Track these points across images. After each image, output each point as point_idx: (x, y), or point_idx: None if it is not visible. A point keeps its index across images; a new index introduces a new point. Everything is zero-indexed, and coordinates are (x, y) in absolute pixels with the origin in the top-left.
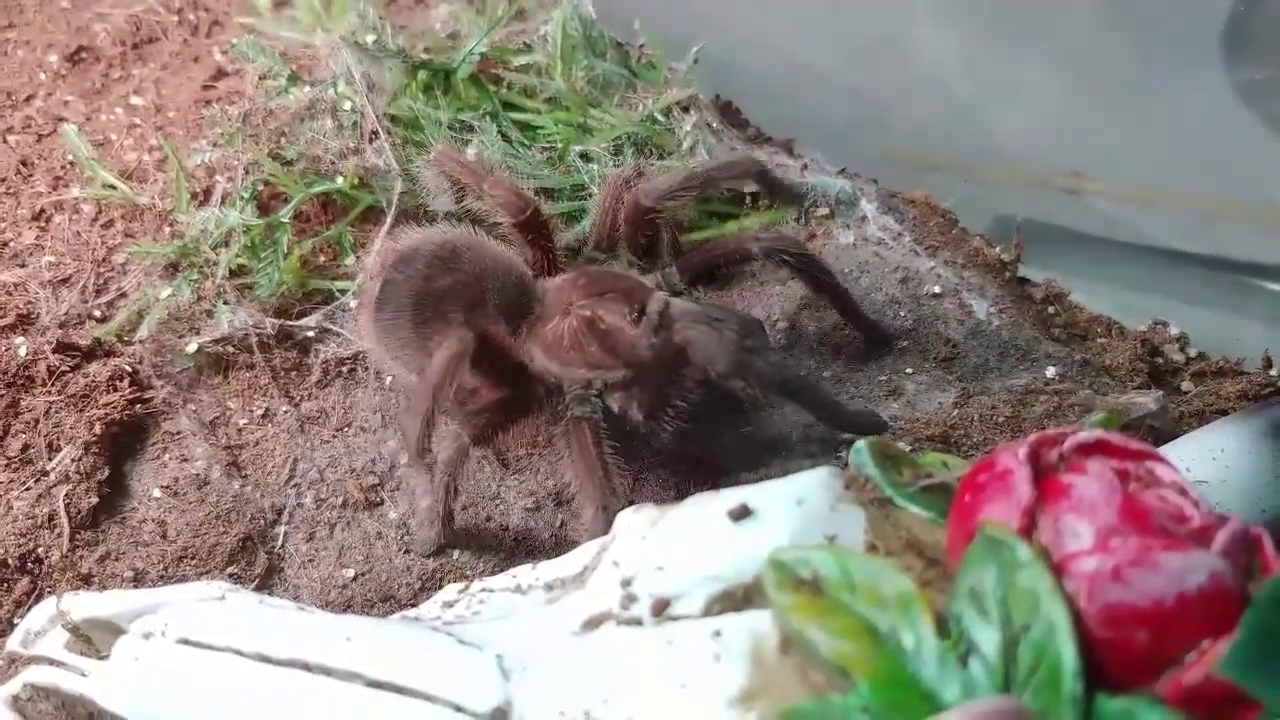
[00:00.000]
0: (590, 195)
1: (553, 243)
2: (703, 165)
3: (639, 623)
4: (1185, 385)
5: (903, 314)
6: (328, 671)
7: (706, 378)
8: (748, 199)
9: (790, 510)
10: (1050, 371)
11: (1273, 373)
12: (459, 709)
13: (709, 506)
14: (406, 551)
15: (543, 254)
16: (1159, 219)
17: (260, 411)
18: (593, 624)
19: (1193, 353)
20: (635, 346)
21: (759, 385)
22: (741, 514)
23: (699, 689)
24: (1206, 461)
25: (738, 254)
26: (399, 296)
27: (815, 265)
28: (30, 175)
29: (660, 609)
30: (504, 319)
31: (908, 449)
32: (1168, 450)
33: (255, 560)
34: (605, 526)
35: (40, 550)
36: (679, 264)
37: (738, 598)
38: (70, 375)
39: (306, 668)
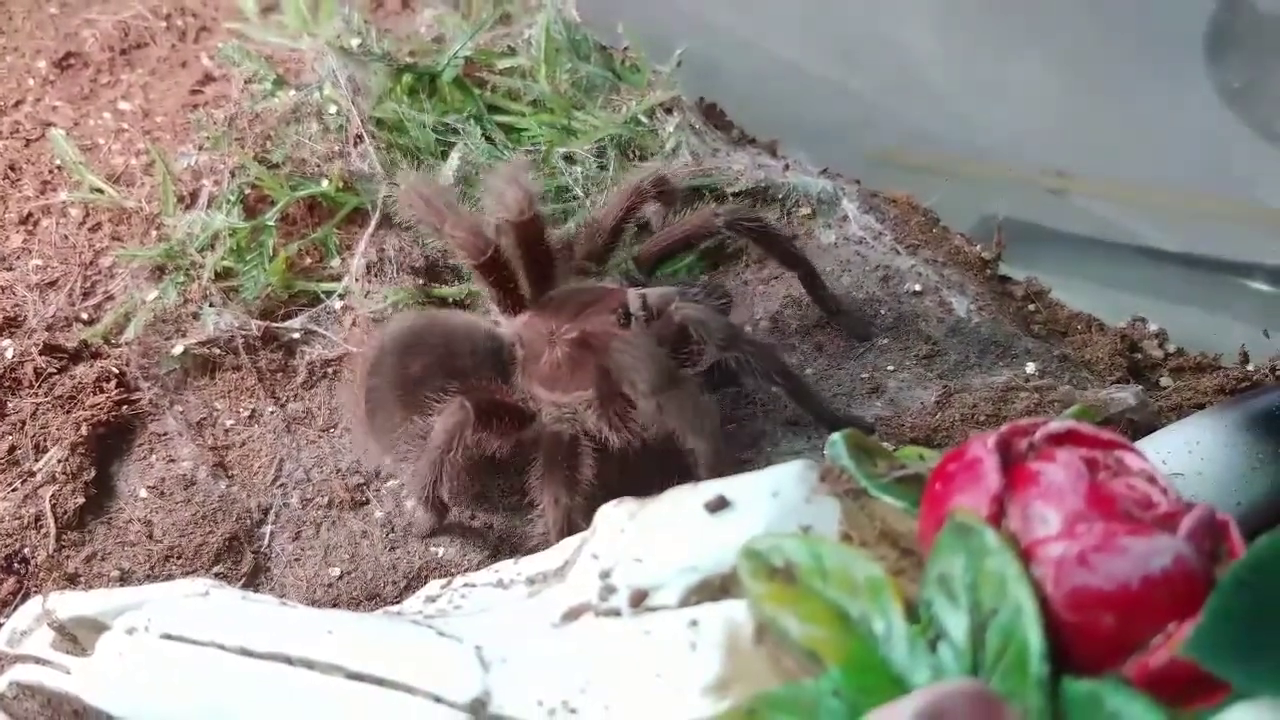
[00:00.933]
0: (574, 197)
1: (517, 281)
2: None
3: (617, 614)
4: (1164, 380)
5: (883, 312)
6: (309, 664)
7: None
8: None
9: (766, 502)
10: (1030, 368)
11: (1249, 368)
12: (438, 700)
13: (687, 499)
14: (392, 549)
15: (506, 293)
16: (1140, 218)
17: (246, 412)
18: (572, 615)
19: (1171, 348)
20: (607, 338)
21: (753, 354)
22: (718, 506)
23: (675, 678)
24: (1183, 454)
25: (701, 232)
26: (384, 398)
27: (778, 236)
28: (18, 179)
29: (638, 600)
30: (490, 374)
31: (891, 449)
32: (1145, 443)
33: (242, 560)
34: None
35: (27, 550)
36: (638, 259)
37: (714, 588)
38: (57, 377)
39: (288, 661)
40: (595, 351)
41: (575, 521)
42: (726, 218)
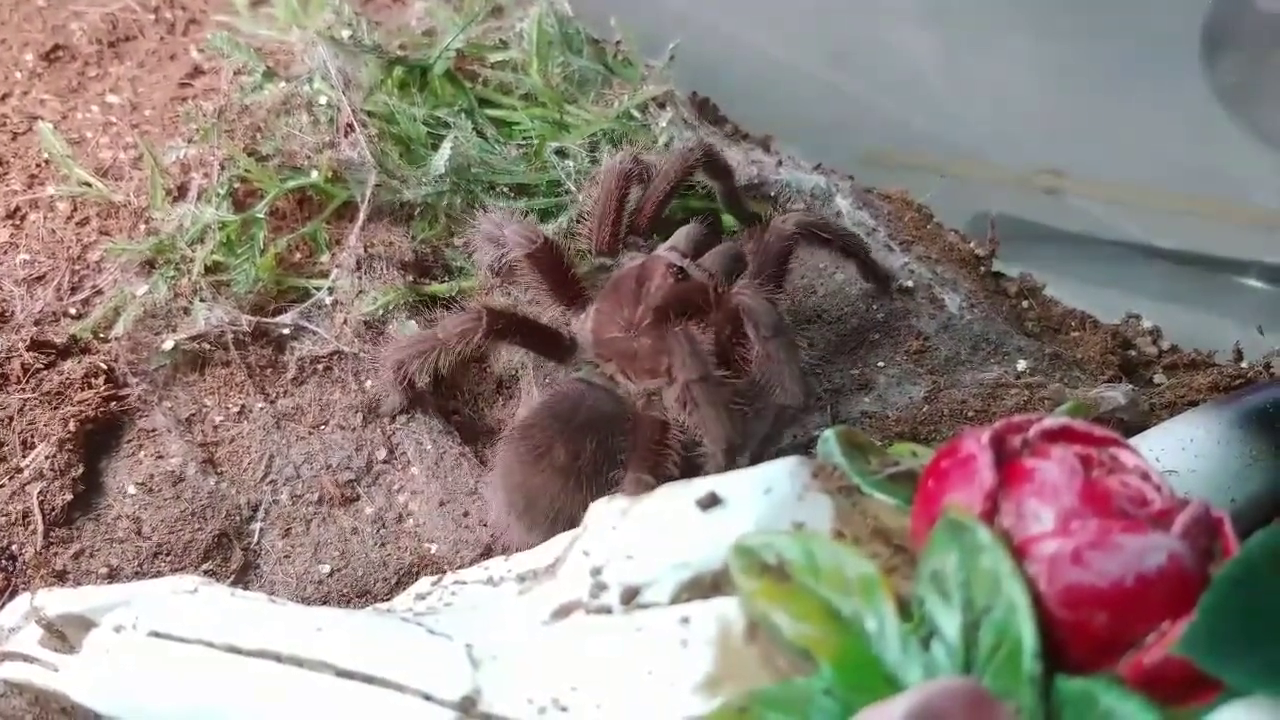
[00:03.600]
0: (567, 191)
1: (571, 272)
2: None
3: (608, 611)
4: (1157, 377)
5: (875, 307)
6: (298, 662)
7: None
8: None
9: (758, 499)
10: (1021, 365)
11: (1243, 365)
12: (428, 697)
13: (678, 496)
14: (383, 546)
15: (563, 286)
16: (1135, 217)
17: (236, 408)
18: (563, 613)
19: (1165, 345)
20: (705, 286)
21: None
22: (710, 503)
23: (666, 675)
24: (1176, 451)
25: (684, 169)
26: (547, 490)
27: (732, 177)
28: (5, 173)
29: (629, 597)
30: (609, 407)
31: (881, 444)
32: (1138, 441)
33: (231, 557)
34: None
35: (14, 547)
36: (634, 229)
37: (706, 585)
38: (45, 372)
39: (277, 659)
40: (679, 316)
41: None
42: (701, 151)
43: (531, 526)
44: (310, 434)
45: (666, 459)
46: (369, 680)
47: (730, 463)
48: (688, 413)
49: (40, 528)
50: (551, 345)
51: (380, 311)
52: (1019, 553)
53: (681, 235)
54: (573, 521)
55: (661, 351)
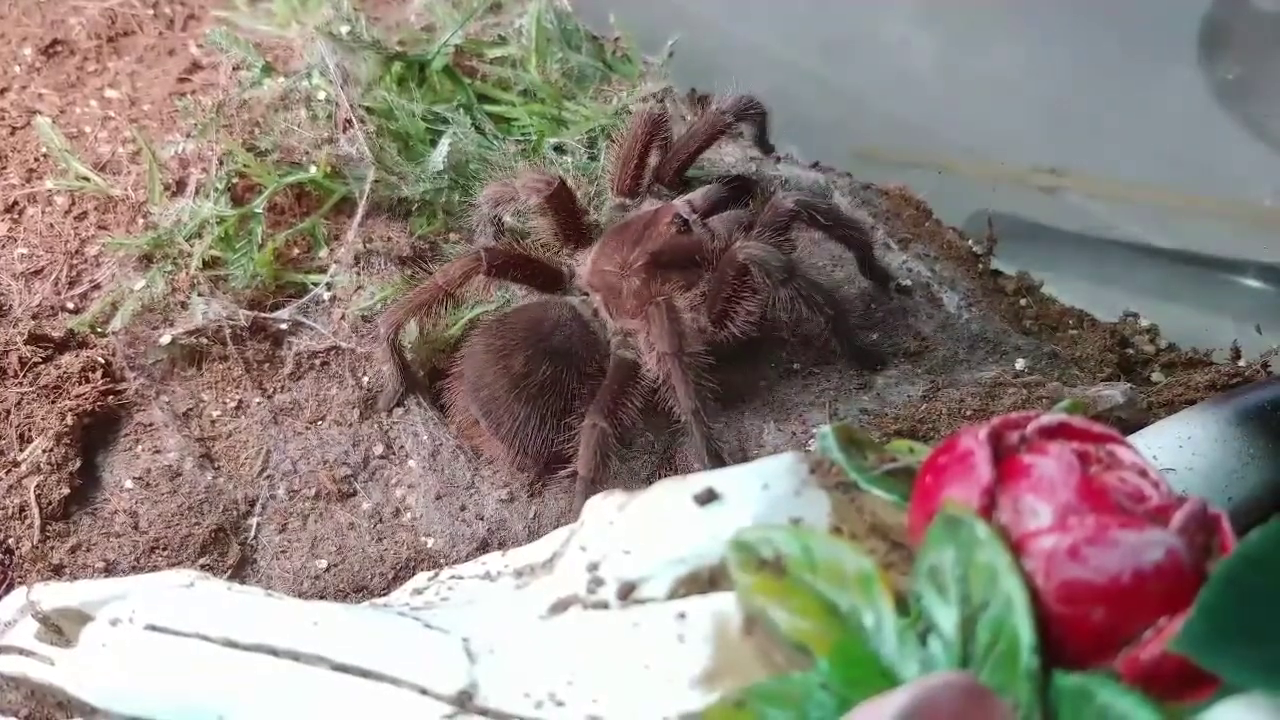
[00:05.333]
0: None
1: (580, 216)
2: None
3: (605, 606)
4: (1155, 376)
5: (873, 307)
6: (294, 656)
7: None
8: None
9: (755, 494)
10: (1019, 364)
11: (1241, 363)
12: (424, 691)
13: (676, 491)
14: (379, 541)
15: (572, 228)
16: (1133, 214)
17: (233, 403)
18: (560, 608)
19: (1163, 344)
20: (704, 243)
21: (820, 206)
22: (707, 498)
23: (663, 670)
24: (1174, 449)
25: (713, 131)
26: (500, 402)
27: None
28: (3, 168)
29: (626, 592)
30: (581, 339)
31: (881, 441)
32: (1136, 438)
33: (228, 551)
34: (704, 432)
35: (11, 541)
36: (658, 176)
37: (703, 580)
38: (42, 366)
39: (273, 653)
40: (671, 266)
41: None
42: (732, 113)
43: (471, 401)
44: (307, 429)
45: (624, 409)
46: (365, 674)
47: (701, 430)
48: (660, 376)
49: (37, 521)
50: (550, 280)
51: (378, 307)
52: (1016, 548)
53: (700, 192)
54: (497, 424)
55: (644, 296)
